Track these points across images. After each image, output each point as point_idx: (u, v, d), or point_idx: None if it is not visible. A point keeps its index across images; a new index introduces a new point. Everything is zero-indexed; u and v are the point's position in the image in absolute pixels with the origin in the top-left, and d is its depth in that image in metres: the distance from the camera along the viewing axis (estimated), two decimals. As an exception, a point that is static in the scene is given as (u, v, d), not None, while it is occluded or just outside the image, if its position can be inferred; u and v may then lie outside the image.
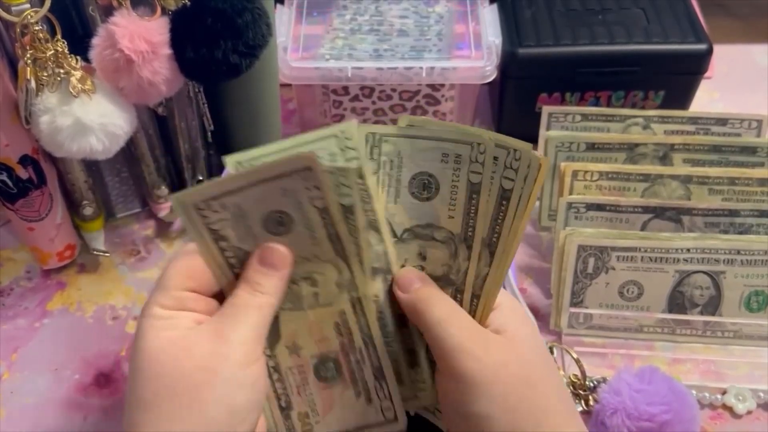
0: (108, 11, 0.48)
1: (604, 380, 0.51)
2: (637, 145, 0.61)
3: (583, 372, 0.52)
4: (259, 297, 0.38)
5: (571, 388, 0.53)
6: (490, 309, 0.39)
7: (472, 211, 0.38)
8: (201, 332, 0.37)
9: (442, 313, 0.38)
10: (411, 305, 0.39)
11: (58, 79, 0.48)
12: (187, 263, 0.38)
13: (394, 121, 0.69)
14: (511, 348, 0.37)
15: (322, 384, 0.39)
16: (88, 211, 0.60)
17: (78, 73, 0.48)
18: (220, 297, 0.38)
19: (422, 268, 0.40)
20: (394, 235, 0.39)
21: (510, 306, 0.40)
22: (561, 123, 0.63)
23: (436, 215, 0.39)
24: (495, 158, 0.37)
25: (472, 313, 0.39)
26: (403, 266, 0.40)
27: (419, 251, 0.40)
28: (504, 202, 0.37)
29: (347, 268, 0.38)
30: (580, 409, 0.52)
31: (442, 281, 0.39)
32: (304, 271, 0.38)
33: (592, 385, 0.52)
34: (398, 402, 0.40)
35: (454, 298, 0.39)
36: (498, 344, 0.37)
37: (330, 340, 0.39)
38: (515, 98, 0.68)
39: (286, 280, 0.38)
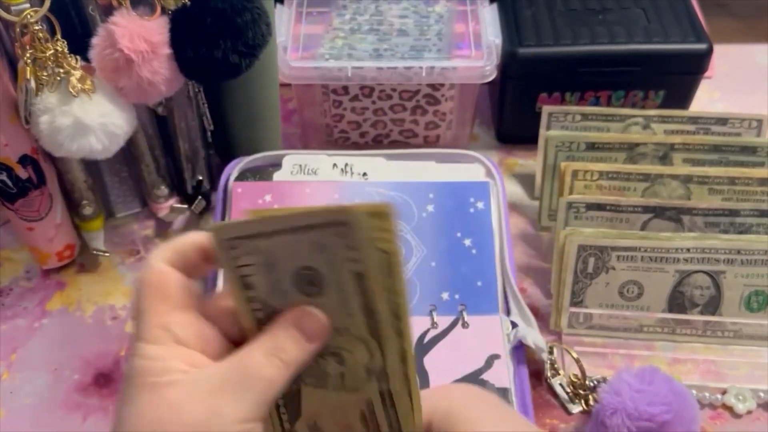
0: (108, 11, 0.48)
1: (604, 380, 0.51)
2: (637, 144, 0.61)
3: (583, 372, 0.52)
4: (277, 367, 0.32)
5: (571, 387, 0.53)
6: (413, 408, 0.32)
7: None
8: (198, 389, 0.31)
9: None
10: None
11: (58, 78, 0.48)
12: (158, 279, 0.33)
13: (394, 122, 0.69)
14: None
15: None
16: (87, 210, 0.60)
17: (78, 73, 0.48)
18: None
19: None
20: None
21: (460, 404, 0.33)
22: (561, 123, 0.63)
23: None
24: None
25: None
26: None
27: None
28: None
29: (380, 352, 0.31)
30: (580, 409, 0.52)
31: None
32: (332, 345, 0.32)
33: (592, 384, 0.52)
34: None
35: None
36: None
37: (354, 429, 0.33)
38: (515, 98, 0.68)
39: (313, 355, 0.32)
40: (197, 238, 0.34)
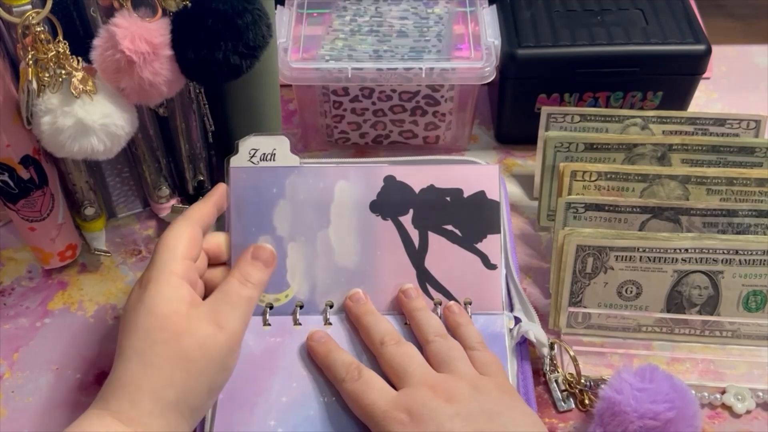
0: (109, 12, 0.48)
1: (603, 380, 0.51)
2: (635, 145, 0.61)
3: (578, 371, 0.52)
4: (249, 288, 0.46)
5: (567, 386, 0.53)
6: None
7: None
8: (201, 314, 0.44)
9: None
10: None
11: (60, 79, 0.48)
12: (191, 231, 0.47)
13: (393, 122, 0.69)
14: None
15: None
16: (89, 211, 0.60)
17: (79, 74, 0.48)
18: None
19: None
20: None
21: None
22: (560, 123, 0.63)
23: None
24: None
25: None
26: None
27: None
28: None
29: None
30: (572, 407, 0.52)
31: None
32: None
33: (587, 384, 0.53)
34: None
35: None
36: None
37: None
38: (514, 99, 0.69)
39: (269, 276, 0.49)
40: (215, 200, 0.52)
